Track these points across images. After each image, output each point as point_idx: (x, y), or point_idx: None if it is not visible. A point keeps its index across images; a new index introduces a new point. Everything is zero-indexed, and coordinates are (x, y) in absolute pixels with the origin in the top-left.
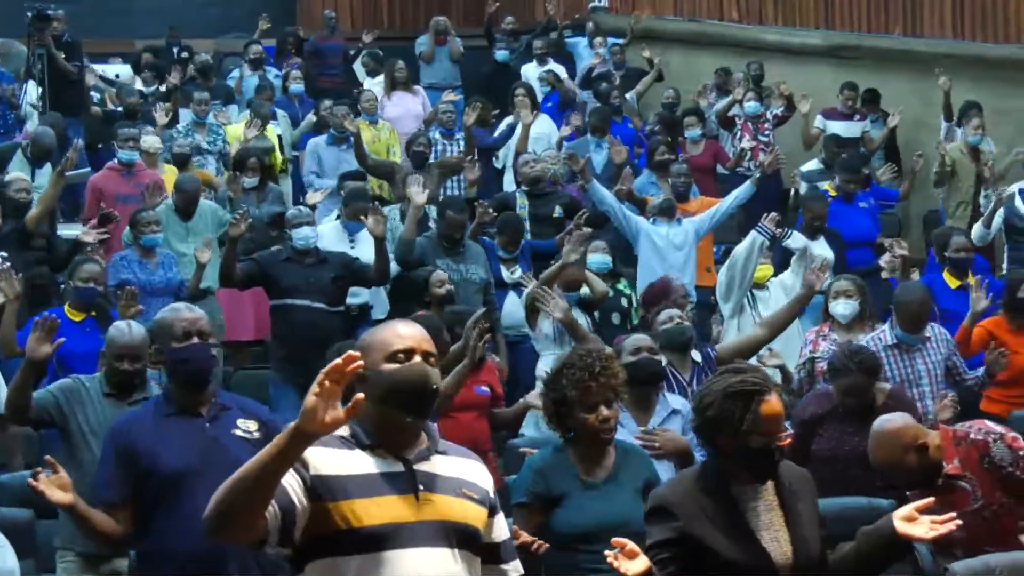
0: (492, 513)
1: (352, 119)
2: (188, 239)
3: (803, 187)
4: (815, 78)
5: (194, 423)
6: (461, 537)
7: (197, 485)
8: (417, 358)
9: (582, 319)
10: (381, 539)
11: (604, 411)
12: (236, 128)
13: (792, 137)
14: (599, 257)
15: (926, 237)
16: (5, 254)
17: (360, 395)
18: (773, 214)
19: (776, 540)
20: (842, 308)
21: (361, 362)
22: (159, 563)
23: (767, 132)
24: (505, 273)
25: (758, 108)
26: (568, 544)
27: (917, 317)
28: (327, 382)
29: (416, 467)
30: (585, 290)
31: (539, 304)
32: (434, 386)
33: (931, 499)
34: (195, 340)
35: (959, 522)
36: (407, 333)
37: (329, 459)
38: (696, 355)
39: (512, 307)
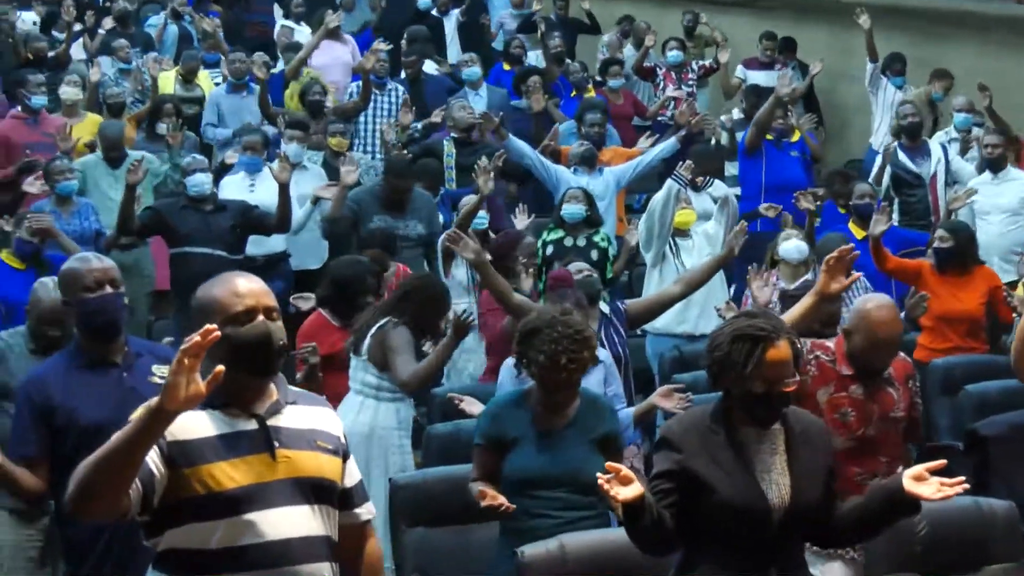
0: (344, 459)
1: (262, 66)
2: (117, 186)
3: (724, 137)
4: (734, 28)
5: (110, 374)
6: (319, 492)
7: None
8: (259, 317)
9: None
10: (241, 502)
11: (562, 393)
12: (164, 78)
13: (715, 87)
14: (574, 207)
15: None
16: None
17: (220, 367)
18: (688, 162)
19: (776, 484)
20: (795, 250)
21: (219, 333)
22: (79, 520)
23: (691, 82)
24: None
25: (680, 57)
26: (517, 489)
27: None
28: (186, 359)
29: (269, 423)
30: None
31: (450, 244)
32: (280, 342)
33: (943, 461)
34: (107, 289)
35: (967, 486)
36: (247, 291)
37: (183, 423)
38: (604, 307)
39: None
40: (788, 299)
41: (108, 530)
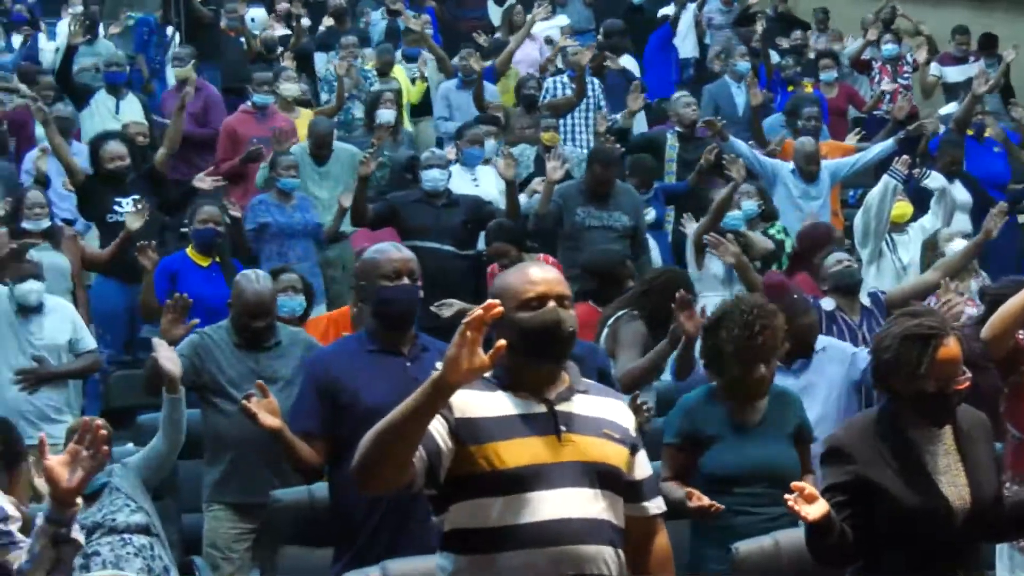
0: (634, 452)
1: (478, 58)
2: (322, 183)
3: (941, 130)
4: (951, 21)
5: (396, 362)
6: (603, 477)
7: None
8: (551, 303)
9: None
10: (524, 480)
11: (761, 369)
12: (401, 71)
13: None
14: (747, 204)
15: None
16: (136, 196)
17: (502, 341)
18: (905, 157)
19: (954, 485)
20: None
21: (501, 309)
22: (353, 499)
23: (906, 75)
24: None
25: (895, 51)
26: (718, 486)
27: None
28: (468, 332)
29: (557, 408)
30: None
31: (711, 249)
32: (569, 329)
33: None
34: (405, 280)
35: None
36: (539, 278)
37: (472, 401)
38: (864, 299)
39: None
40: (987, 296)
41: (382, 507)
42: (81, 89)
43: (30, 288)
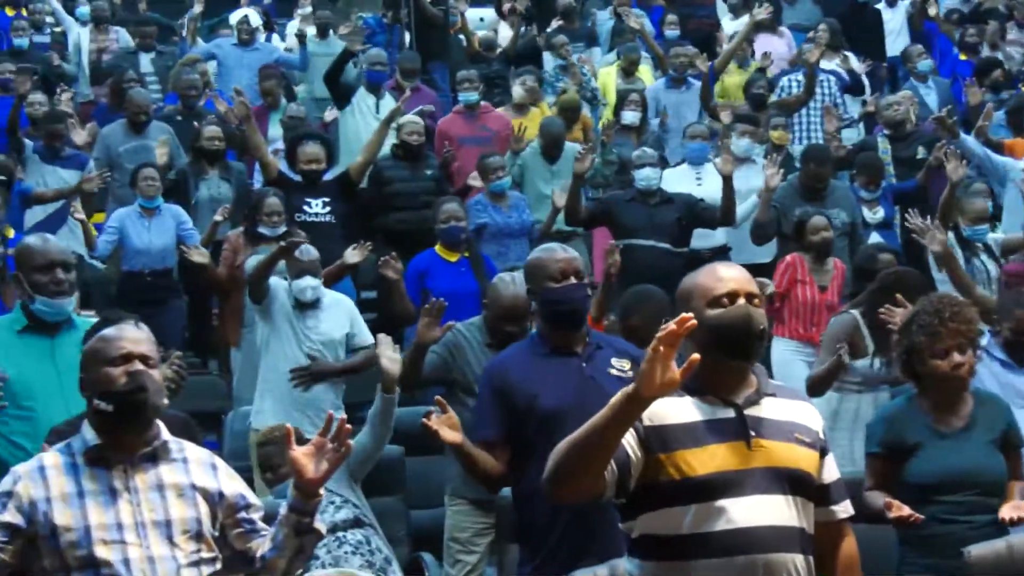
0: (823, 455)
1: (704, 59)
2: (553, 181)
3: None
4: None
5: (570, 362)
6: (794, 483)
7: (576, 425)
8: (740, 300)
9: (992, 267)
10: (714, 488)
11: (956, 357)
12: (605, 72)
13: None
14: (982, 202)
15: None
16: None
17: (695, 356)
18: None
19: None
20: None
21: (694, 322)
22: (537, 504)
23: None
24: (868, 214)
25: None
26: (921, 494)
27: None
28: (661, 347)
29: (746, 412)
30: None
31: (915, 236)
32: (760, 327)
33: None
34: (571, 280)
35: None
36: (728, 276)
37: (660, 409)
38: None
39: None
40: None
41: (566, 514)
42: (345, 89)
43: (306, 284)
